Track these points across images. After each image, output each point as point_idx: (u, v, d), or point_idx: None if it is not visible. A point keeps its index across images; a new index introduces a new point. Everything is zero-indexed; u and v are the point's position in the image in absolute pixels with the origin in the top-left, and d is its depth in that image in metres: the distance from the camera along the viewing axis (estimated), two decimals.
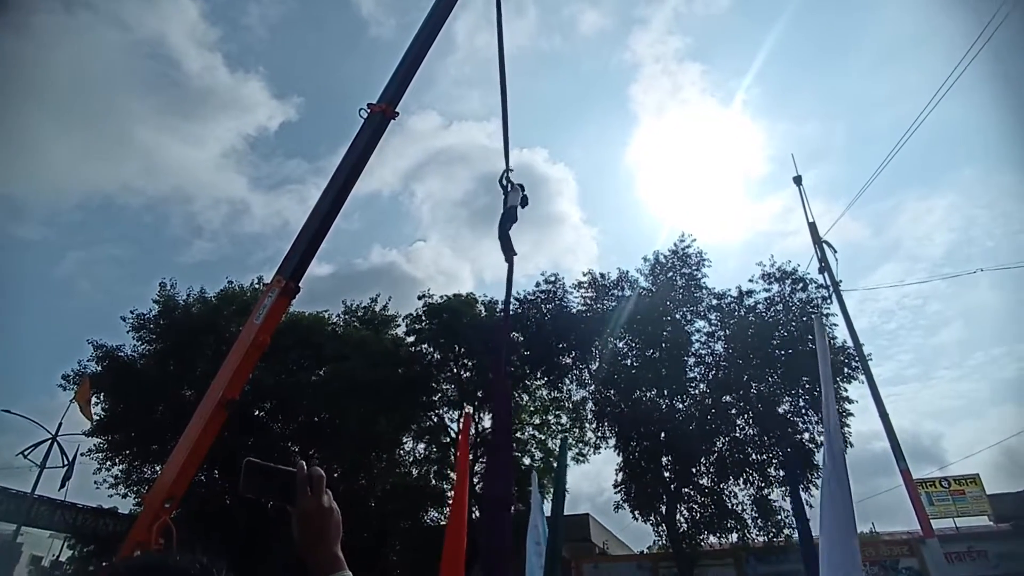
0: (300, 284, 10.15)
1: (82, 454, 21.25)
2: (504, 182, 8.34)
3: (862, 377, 14.52)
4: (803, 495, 17.19)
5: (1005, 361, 44.69)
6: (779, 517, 17.76)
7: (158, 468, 21.42)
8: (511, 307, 21.71)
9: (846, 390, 17.99)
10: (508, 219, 7.81)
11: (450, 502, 22.64)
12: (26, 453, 19.59)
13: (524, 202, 8.10)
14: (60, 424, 20.13)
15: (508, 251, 7.66)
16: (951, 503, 18.90)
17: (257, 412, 22.35)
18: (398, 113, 11.15)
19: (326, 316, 24.54)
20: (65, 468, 19.96)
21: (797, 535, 17.73)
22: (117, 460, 21.89)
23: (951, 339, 48.53)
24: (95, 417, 21.04)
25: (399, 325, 24.21)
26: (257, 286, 23.56)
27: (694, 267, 20.09)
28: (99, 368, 21.69)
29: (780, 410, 18.48)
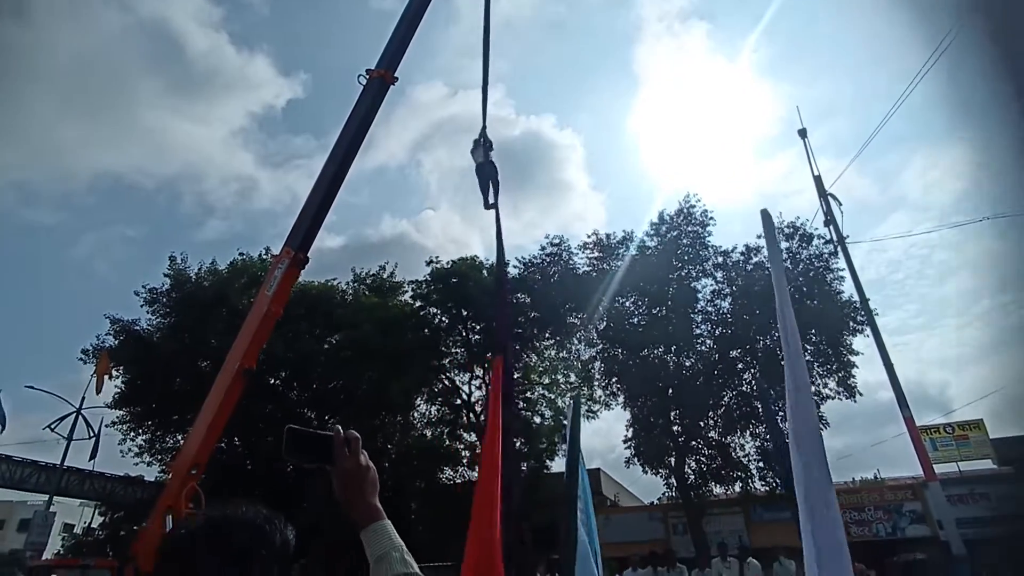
0: (308, 255, 10.32)
1: (106, 426, 21.89)
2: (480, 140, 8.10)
3: (866, 332, 14.65)
4: None
5: (1012, 308, 44.39)
6: (784, 467, 18.17)
7: (180, 437, 22.07)
8: (515, 270, 21.91)
9: (852, 343, 18.21)
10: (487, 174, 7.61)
11: (464, 460, 23.43)
12: (53, 427, 20.20)
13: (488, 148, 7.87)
14: (83, 398, 20.66)
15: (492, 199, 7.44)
16: (955, 448, 19.24)
17: (272, 380, 22.82)
18: (397, 78, 11.06)
19: (335, 284, 24.77)
20: (93, 440, 20.60)
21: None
22: (140, 431, 22.54)
23: (958, 287, 48.30)
24: (117, 389, 21.60)
25: (407, 291, 24.41)
26: (266, 257, 23.70)
27: (699, 225, 20.07)
28: (116, 342, 22.13)
29: None
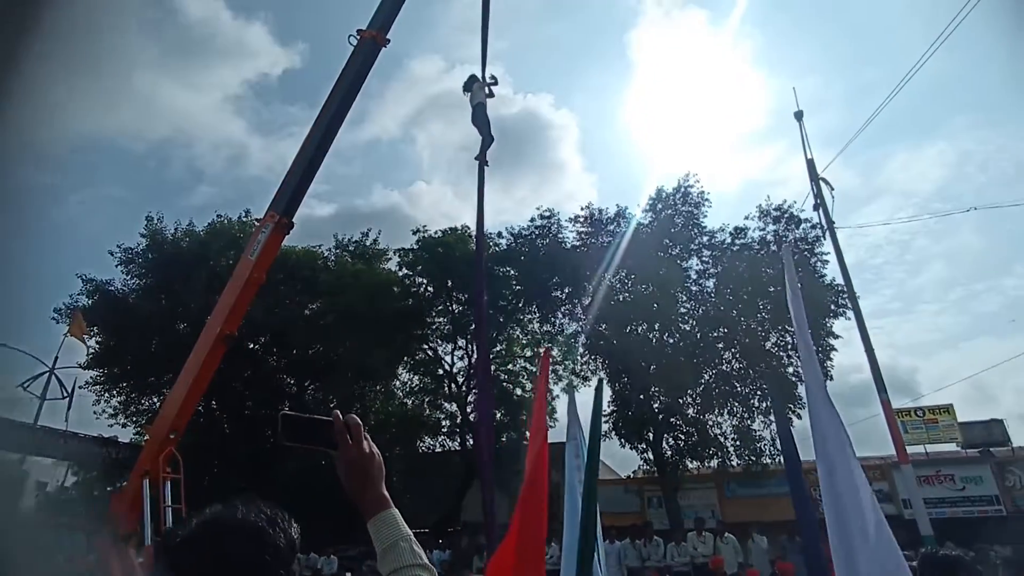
0: (294, 220, 10.07)
1: (80, 386, 21.51)
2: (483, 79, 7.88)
3: (850, 313, 14.83)
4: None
5: (986, 296, 45.65)
6: (759, 445, 18.60)
7: (155, 400, 21.82)
8: (504, 241, 21.74)
9: (831, 326, 18.48)
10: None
11: (444, 430, 23.60)
12: (26, 385, 19.76)
13: (490, 94, 7.69)
14: (56, 357, 20.23)
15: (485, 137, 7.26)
16: (924, 431, 19.83)
17: (252, 345, 22.56)
18: (389, 40, 10.72)
19: (318, 250, 24.34)
20: (67, 399, 20.23)
21: (776, 461, 18.64)
22: (115, 392, 22.22)
23: (935, 273, 49.35)
24: (90, 350, 21.17)
25: (390, 259, 24.11)
26: (246, 219, 23.18)
27: (693, 206, 20.02)
28: (89, 303, 21.63)
29: (766, 345, 18.96)
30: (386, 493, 1.29)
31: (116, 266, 22.24)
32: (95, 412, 22.08)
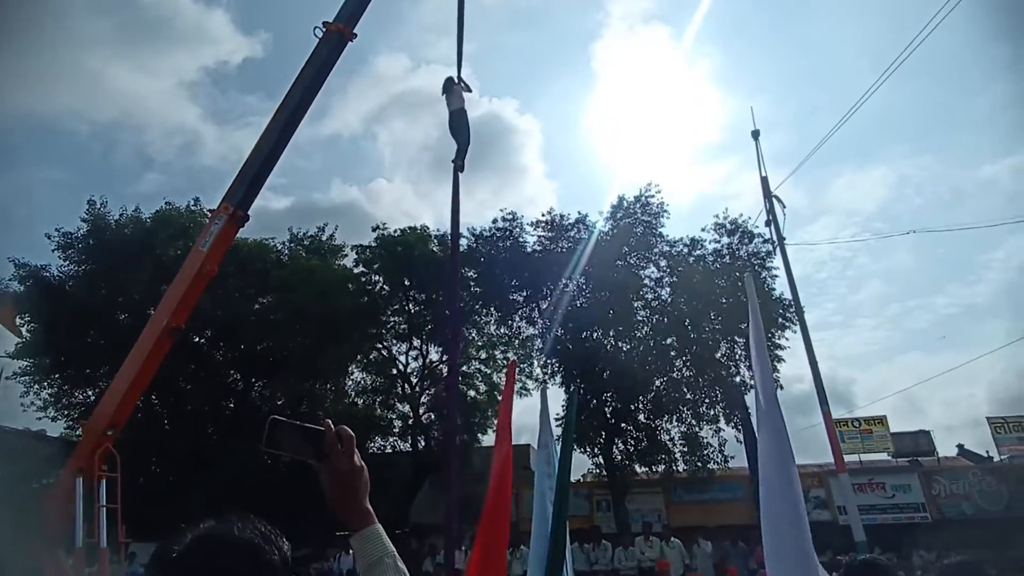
0: (249, 213, 9.75)
1: (7, 377, 20.20)
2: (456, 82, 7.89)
3: (795, 327, 15.44)
4: (732, 431, 18.49)
5: (918, 313, 48.31)
6: (706, 452, 19.12)
7: (91, 392, 20.72)
8: (464, 241, 21.65)
9: (778, 337, 19.16)
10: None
11: (395, 431, 23.29)
12: None
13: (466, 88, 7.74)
14: None
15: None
16: (859, 441, 20.86)
17: (197, 339, 21.72)
18: (356, 35, 10.53)
19: (270, 244, 23.63)
20: None
21: (723, 467, 19.16)
22: (46, 384, 20.98)
23: (874, 290, 51.89)
24: (19, 339, 19.92)
25: (346, 255, 23.65)
26: (195, 208, 22.31)
27: (653, 216, 20.41)
28: (21, 288, 20.38)
29: (717, 355, 19.51)
30: (370, 508, 1.28)
31: (53, 251, 21.00)
32: (22, 405, 20.80)
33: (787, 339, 19.27)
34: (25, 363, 20.62)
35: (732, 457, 19.14)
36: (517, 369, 22.29)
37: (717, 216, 20.41)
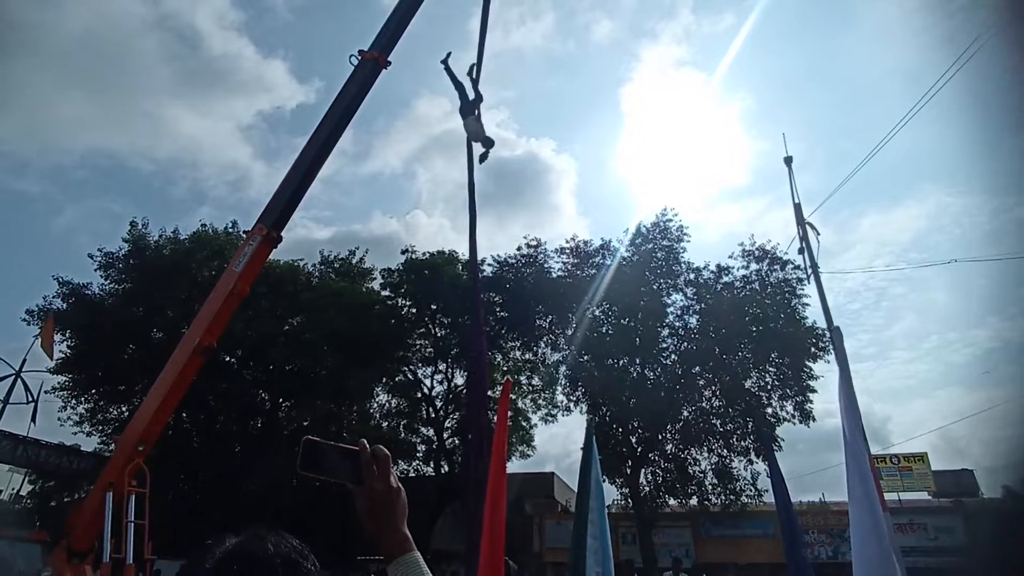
0: (282, 234, 9.95)
1: (47, 391, 20.79)
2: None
3: (829, 357, 14.97)
4: (763, 465, 17.93)
5: (958, 346, 46.45)
6: (738, 484, 18.53)
7: (125, 408, 21.16)
8: (489, 268, 21.74)
9: (811, 369, 18.61)
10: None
11: (419, 455, 23.17)
12: None
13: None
14: (24, 360, 19.57)
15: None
16: (898, 478, 19.97)
17: (228, 358, 22.10)
18: (390, 63, 10.80)
19: (301, 265, 24.09)
20: (32, 405, 19.50)
21: (756, 502, 18.50)
22: (83, 399, 21.53)
23: (910, 321, 50.27)
24: (60, 355, 20.53)
25: (375, 278, 23.94)
26: (231, 230, 22.95)
27: (674, 240, 20.22)
28: (64, 305, 21.10)
29: (747, 384, 19.04)
30: (408, 534, 1.20)
31: (95, 270, 21.80)
32: (59, 419, 21.35)
33: (818, 369, 18.70)
34: (64, 378, 21.22)
35: (766, 491, 18.51)
36: (538, 396, 22.14)
37: (743, 244, 20.05)
